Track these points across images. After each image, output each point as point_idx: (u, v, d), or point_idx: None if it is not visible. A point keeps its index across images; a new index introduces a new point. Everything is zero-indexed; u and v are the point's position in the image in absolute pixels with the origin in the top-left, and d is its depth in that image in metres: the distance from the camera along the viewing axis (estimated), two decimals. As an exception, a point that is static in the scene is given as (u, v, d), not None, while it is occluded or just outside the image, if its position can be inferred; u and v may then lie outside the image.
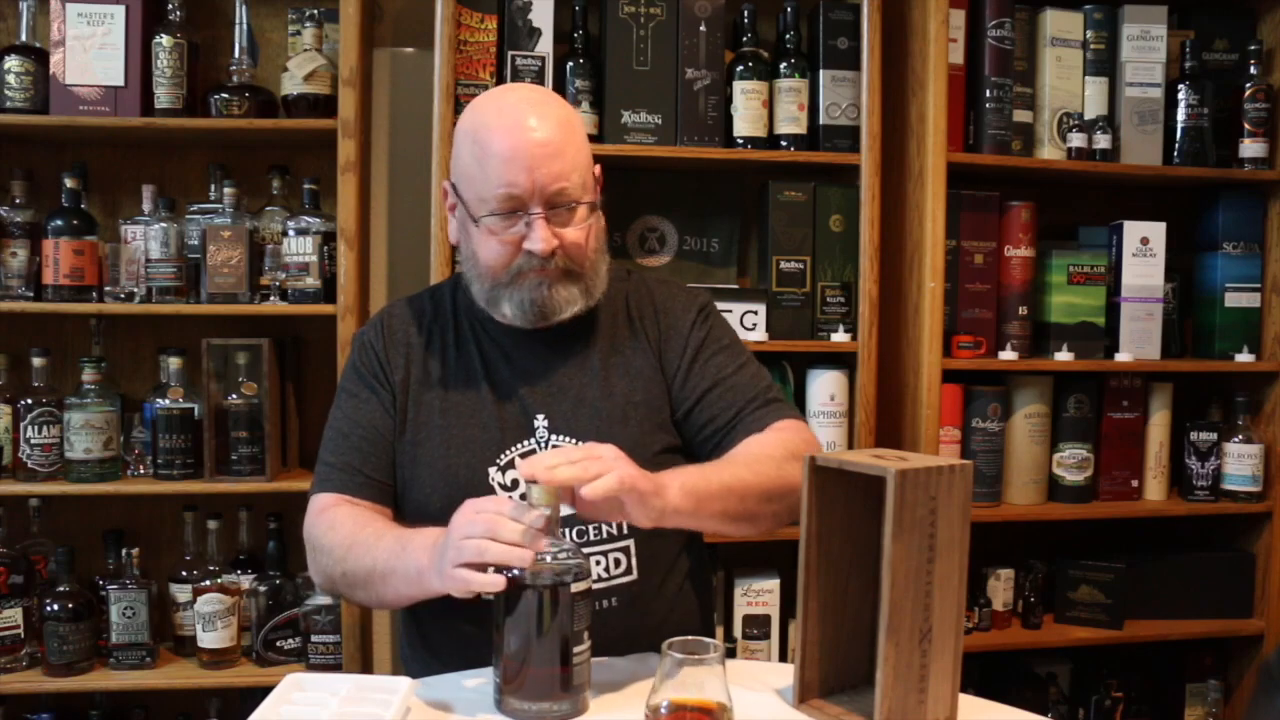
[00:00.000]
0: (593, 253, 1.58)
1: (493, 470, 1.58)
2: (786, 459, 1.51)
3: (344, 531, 1.52)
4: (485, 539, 1.25)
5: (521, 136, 1.50)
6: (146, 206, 2.46)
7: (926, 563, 1.24)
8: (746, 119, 2.51)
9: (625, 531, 1.59)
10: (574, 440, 1.59)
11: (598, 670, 1.41)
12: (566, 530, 1.57)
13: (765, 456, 1.51)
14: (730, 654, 2.45)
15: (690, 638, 1.18)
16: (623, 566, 1.59)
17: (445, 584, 1.29)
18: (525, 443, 1.59)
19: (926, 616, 1.25)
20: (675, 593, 1.65)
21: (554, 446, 1.59)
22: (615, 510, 1.32)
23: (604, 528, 1.58)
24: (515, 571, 1.26)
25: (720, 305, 1.83)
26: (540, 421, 1.60)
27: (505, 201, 1.51)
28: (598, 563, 1.57)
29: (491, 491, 1.57)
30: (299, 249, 2.40)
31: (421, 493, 1.60)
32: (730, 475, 1.45)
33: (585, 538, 1.58)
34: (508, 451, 1.59)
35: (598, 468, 1.29)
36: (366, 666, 2.52)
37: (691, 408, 1.64)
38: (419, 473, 1.60)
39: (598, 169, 1.62)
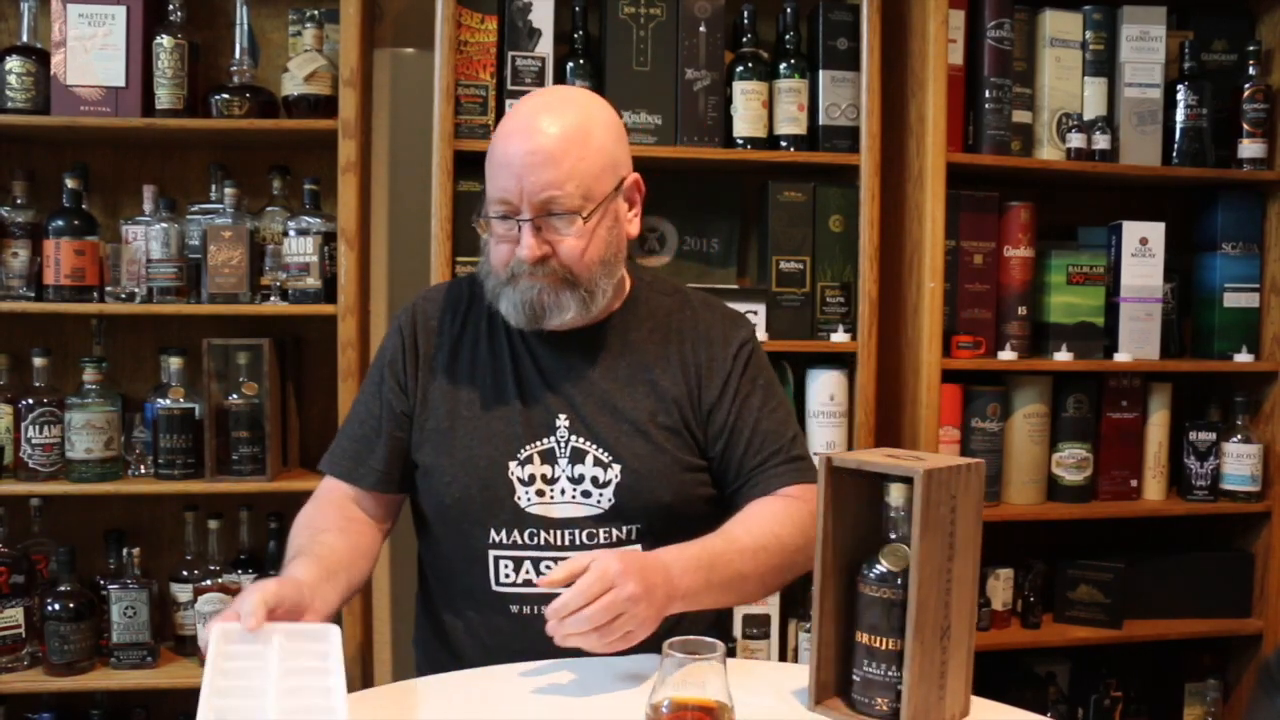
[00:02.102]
0: (594, 262, 1.56)
1: (513, 464, 1.59)
2: (792, 539, 1.55)
3: (295, 531, 1.62)
4: None
5: (518, 143, 1.51)
6: (147, 207, 2.46)
7: (947, 561, 1.25)
8: (746, 119, 2.51)
9: (634, 536, 1.60)
10: (592, 443, 1.60)
11: (599, 670, 1.41)
12: (575, 534, 1.58)
13: (771, 539, 1.54)
14: (730, 653, 2.45)
15: (692, 637, 1.18)
16: None
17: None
18: (545, 440, 1.60)
19: (946, 614, 1.26)
20: None
21: (572, 447, 1.60)
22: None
23: (613, 532, 1.59)
24: None
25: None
26: (561, 421, 1.61)
27: (500, 205, 1.54)
28: None
29: (510, 485, 1.59)
30: (299, 249, 2.40)
31: (440, 480, 1.61)
32: (733, 571, 1.50)
33: (595, 540, 1.59)
34: (527, 447, 1.60)
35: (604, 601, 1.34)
36: (366, 667, 2.53)
37: (721, 444, 1.65)
38: (440, 460, 1.61)
39: (635, 177, 1.63)
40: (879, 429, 2.55)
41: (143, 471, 2.43)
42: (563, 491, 1.59)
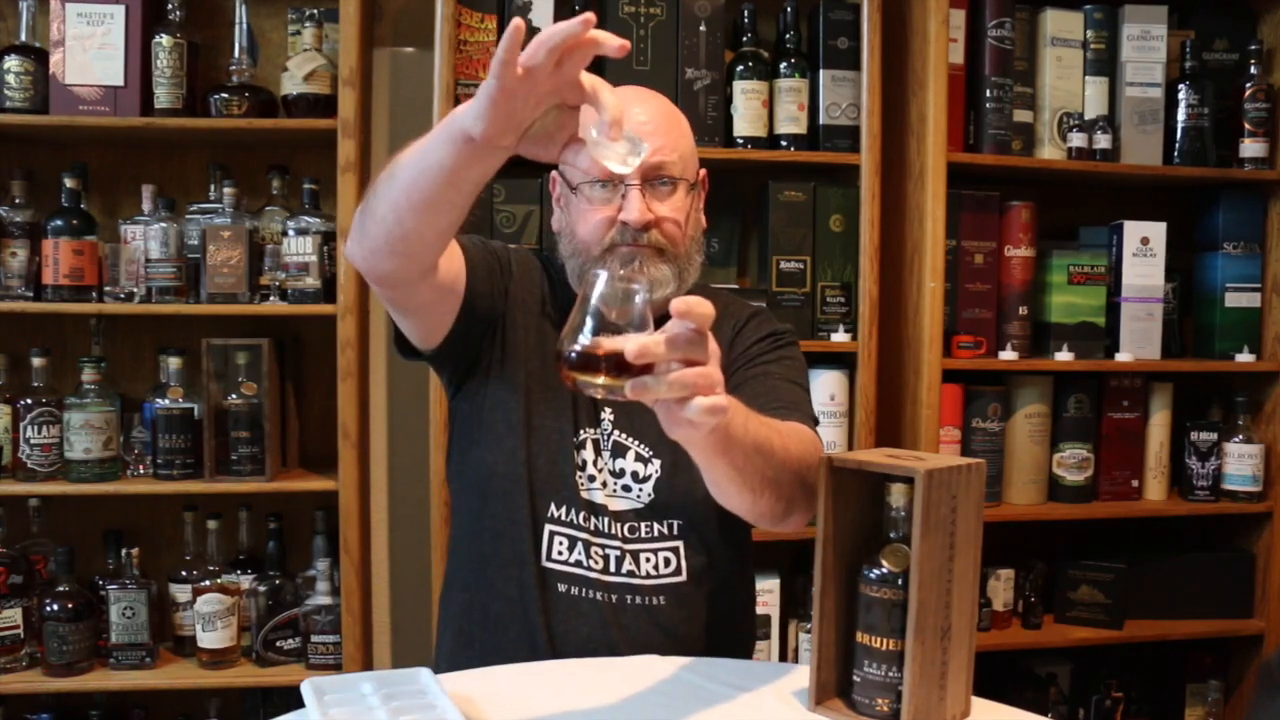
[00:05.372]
0: (688, 237, 1.60)
1: (574, 445, 1.59)
2: (801, 453, 1.40)
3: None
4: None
5: (625, 113, 1.50)
6: (146, 206, 2.46)
7: (948, 561, 1.25)
8: (746, 119, 2.51)
9: (676, 532, 1.59)
10: (633, 438, 1.60)
11: (601, 671, 1.41)
12: (619, 526, 1.57)
13: (792, 439, 1.38)
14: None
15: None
16: (672, 566, 1.59)
17: (484, 83, 1.12)
18: (591, 430, 1.60)
19: (947, 615, 1.26)
20: (722, 596, 1.64)
21: (614, 442, 1.60)
22: (676, 416, 1.11)
23: (655, 526, 1.58)
24: None
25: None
26: (606, 414, 1.61)
27: (602, 173, 1.52)
28: (647, 560, 1.58)
29: (574, 463, 1.59)
30: (299, 249, 2.40)
31: (511, 443, 1.58)
32: (761, 437, 1.31)
33: (637, 534, 1.58)
34: (583, 432, 1.60)
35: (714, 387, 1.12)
36: (367, 666, 2.52)
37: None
38: (512, 419, 1.59)
39: (703, 172, 1.65)
40: (879, 429, 2.55)
41: (141, 472, 2.43)
42: (604, 485, 1.59)
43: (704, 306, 1.06)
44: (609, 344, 1.07)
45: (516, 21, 1.06)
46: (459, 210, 1.30)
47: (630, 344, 1.05)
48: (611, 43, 1.08)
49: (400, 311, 1.54)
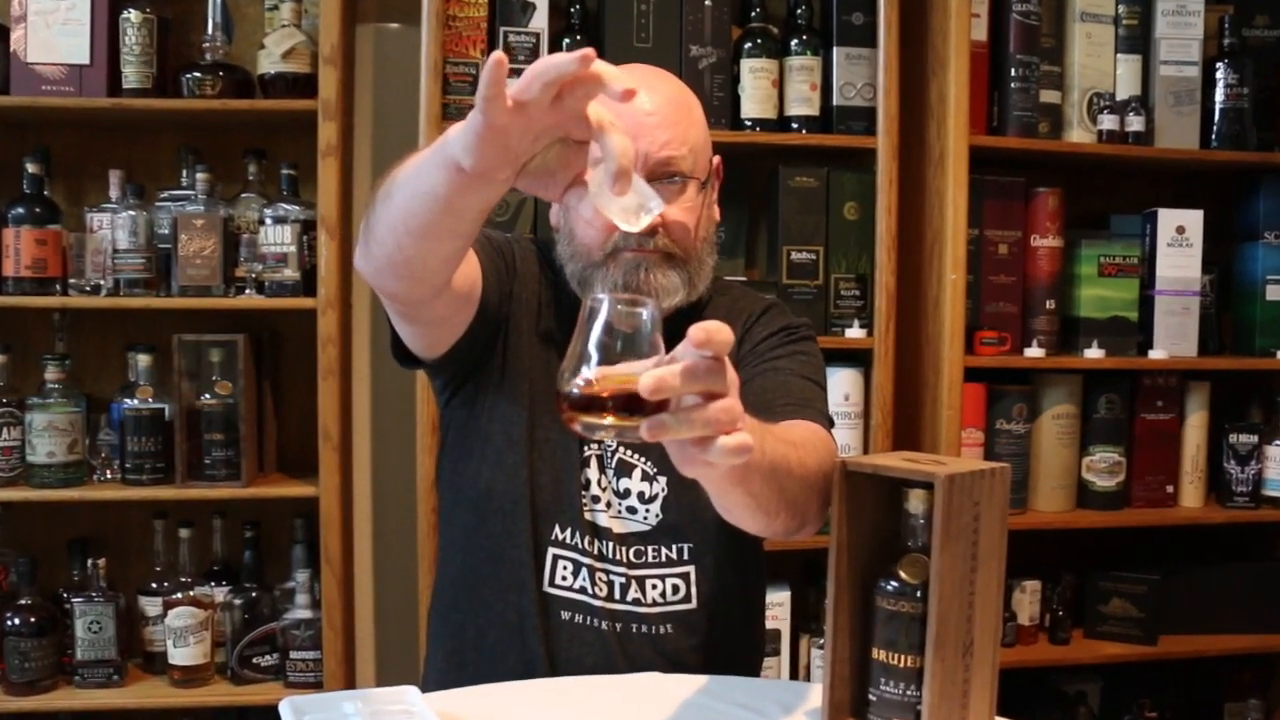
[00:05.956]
0: (699, 240, 1.56)
1: (579, 462, 1.57)
2: (817, 465, 1.37)
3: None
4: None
5: (628, 105, 1.48)
6: (114, 193, 2.45)
7: (970, 572, 1.24)
8: (755, 100, 2.51)
9: (686, 557, 1.58)
10: (639, 455, 1.58)
11: (601, 690, 1.42)
12: (623, 551, 1.56)
13: (807, 452, 1.34)
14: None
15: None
16: (681, 594, 1.58)
17: (472, 114, 1.06)
18: (595, 445, 1.58)
19: (969, 629, 1.25)
20: (733, 619, 1.63)
21: (619, 459, 1.58)
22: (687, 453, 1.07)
23: (663, 551, 1.57)
24: None
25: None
26: None
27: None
28: (653, 586, 1.56)
29: (580, 482, 1.56)
30: (277, 239, 2.39)
31: (514, 457, 1.57)
32: (778, 456, 1.27)
33: (643, 559, 1.57)
34: (586, 449, 1.58)
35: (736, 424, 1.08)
36: (350, 685, 2.51)
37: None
38: (513, 434, 1.57)
39: (717, 160, 1.62)
40: (897, 431, 2.55)
41: (109, 476, 2.43)
42: (608, 505, 1.58)
43: (724, 334, 1.01)
44: (616, 379, 1.00)
45: (496, 55, 1.00)
46: (463, 237, 1.28)
47: (646, 379, 0.98)
48: (616, 86, 1.01)
49: (408, 322, 1.51)
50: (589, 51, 1.00)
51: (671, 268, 1.53)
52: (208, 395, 2.40)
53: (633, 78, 1.50)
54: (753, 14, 2.56)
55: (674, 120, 1.52)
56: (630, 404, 1.00)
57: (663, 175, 1.51)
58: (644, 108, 1.50)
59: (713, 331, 0.99)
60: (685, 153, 1.52)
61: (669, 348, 1.06)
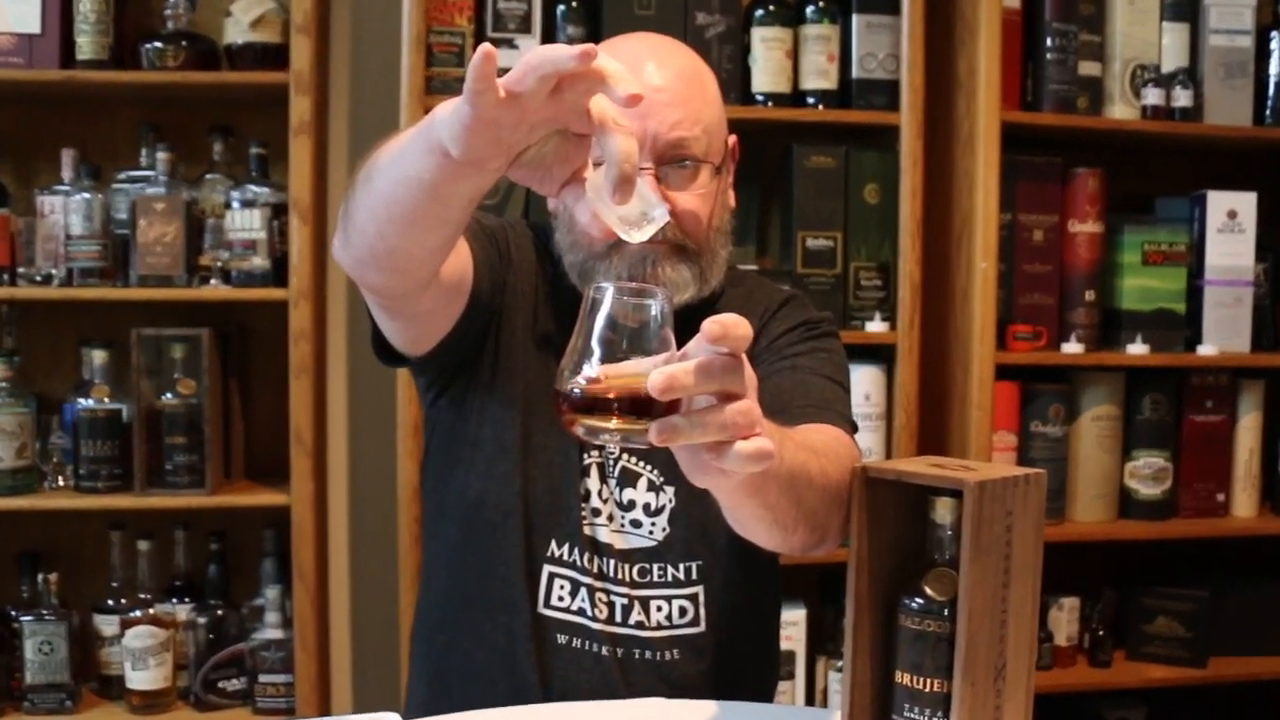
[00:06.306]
0: (712, 230, 1.54)
1: (578, 472, 1.55)
2: (837, 475, 1.35)
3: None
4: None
5: (636, 70, 1.46)
6: (67, 174, 2.45)
7: (1002, 588, 1.22)
8: (767, 72, 2.51)
9: (695, 576, 1.56)
10: (644, 463, 1.56)
11: (599, 716, 1.40)
12: (627, 569, 1.54)
13: (828, 460, 1.33)
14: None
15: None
16: (688, 616, 1.56)
17: (460, 102, 1.04)
18: (597, 453, 1.56)
19: (1001, 650, 1.23)
20: (745, 647, 1.63)
21: (622, 469, 1.56)
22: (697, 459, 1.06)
23: (669, 569, 1.55)
24: None
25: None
26: None
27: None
28: (658, 609, 1.55)
29: (579, 493, 1.55)
30: (244, 223, 2.40)
31: (507, 466, 1.55)
32: (798, 463, 1.26)
33: (648, 578, 1.55)
34: (586, 456, 1.56)
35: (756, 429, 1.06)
36: (324, 711, 2.52)
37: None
38: (507, 440, 1.55)
39: (733, 139, 1.60)
40: (922, 434, 2.56)
41: (61, 484, 2.44)
42: (610, 518, 1.56)
43: (741, 328, 0.99)
44: (621, 377, 0.99)
45: (484, 49, 0.97)
46: (451, 226, 1.26)
47: (655, 376, 0.95)
48: (620, 90, 0.98)
49: (390, 316, 1.49)
50: (589, 48, 0.98)
51: (682, 260, 1.52)
52: (169, 395, 2.40)
53: (640, 48, 1.53)
54: (764, -21, 2.57)
55: (686, 97, 1.50)
56: (637, 405, 0.99)
57: (673, 159, 1.50)
58: (653, 83, 1.48)
59: (729, 325, 0.98)
60: (698, 134, 1.50)
61: (679, 344, 1.04)
